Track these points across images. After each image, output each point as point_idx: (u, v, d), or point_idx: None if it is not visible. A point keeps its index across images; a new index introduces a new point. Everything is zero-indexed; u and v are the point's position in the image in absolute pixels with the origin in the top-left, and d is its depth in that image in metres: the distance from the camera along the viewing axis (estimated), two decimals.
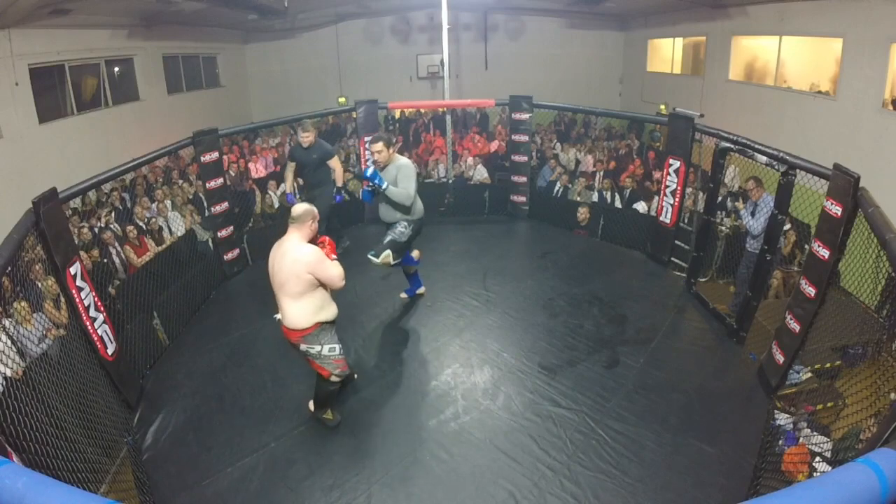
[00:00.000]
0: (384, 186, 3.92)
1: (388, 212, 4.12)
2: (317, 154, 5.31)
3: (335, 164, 5.39)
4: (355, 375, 3.78)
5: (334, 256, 3.03)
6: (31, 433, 2.34)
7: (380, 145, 3.95)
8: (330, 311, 3.07)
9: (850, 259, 3.18)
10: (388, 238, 4.03)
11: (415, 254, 4.58)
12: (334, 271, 2.94)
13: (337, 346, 3.09)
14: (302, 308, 2.93)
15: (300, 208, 2.97)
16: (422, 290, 4.90)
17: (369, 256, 3.97)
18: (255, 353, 4.22)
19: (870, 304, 3.82)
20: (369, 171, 3.94)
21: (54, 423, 2.61)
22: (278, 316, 3.04)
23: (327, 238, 3.15)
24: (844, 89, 6.74)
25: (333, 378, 3.14)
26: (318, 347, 3.02)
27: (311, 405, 3.43)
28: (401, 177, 3.95)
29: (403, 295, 4.88)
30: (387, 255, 3.94)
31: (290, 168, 5.53)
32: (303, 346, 3.02)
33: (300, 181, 6.08)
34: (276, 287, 2.95)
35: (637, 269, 5.59)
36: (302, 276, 2.84)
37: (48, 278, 3.63)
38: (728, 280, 5.17)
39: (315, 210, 3.02)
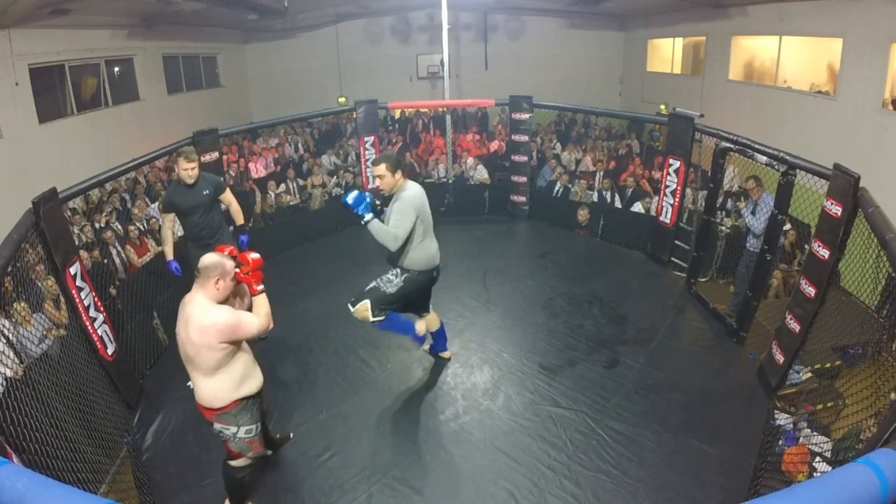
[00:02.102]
0: (365, 219, 3.10)
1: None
2: (208, 189, 3.93)
3: (230, 198, 4.13)
4: (269, 453, 3.09)
5: (259, 287, 2.41)
6: (31, 433, 2.34)
7: (382, 168, 3.12)
8: (253, 384, 2.51)
9: (850, 259, 3.18)
10: (371, 285, 3.29)
11: (419, 327, 3.60)
12: (256, 323, 2.36)
13: (254, 427, 2.55)
14: (218, 384, 2.38)
15: (207, 259, 2.33)
16: (447, 353, 3.99)
17: (348, 305, 3.31)
18: (255, 355, 4.21)
19: (870, 304, 3.82)
20: (350, 197, 3.12)
21: (54, 424, 2.61)
22: (191, 384, 2.47)
23: (249, 255, 2.41)
24: (844, 89, 6.74)
25: (243, 462, 2.63)
26: (233, 429, 2.48)
27: (227, 502, 2.78)
28: (393, 210, 3.14)
29: (425, 347, 4.03)
30: (364, 306, 3.22)
31: (168, 225, 4.06)
32: (217, 426, 2.48)
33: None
34: (184, 360, 2.38)
35: (637, 269, 5.60)
36: (215, 346, 2.28)
37: (48, 278, 3.63)
38: (728, 280, 5.17)
39: (226, 265, 2.33)
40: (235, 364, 2.40)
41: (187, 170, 3.83)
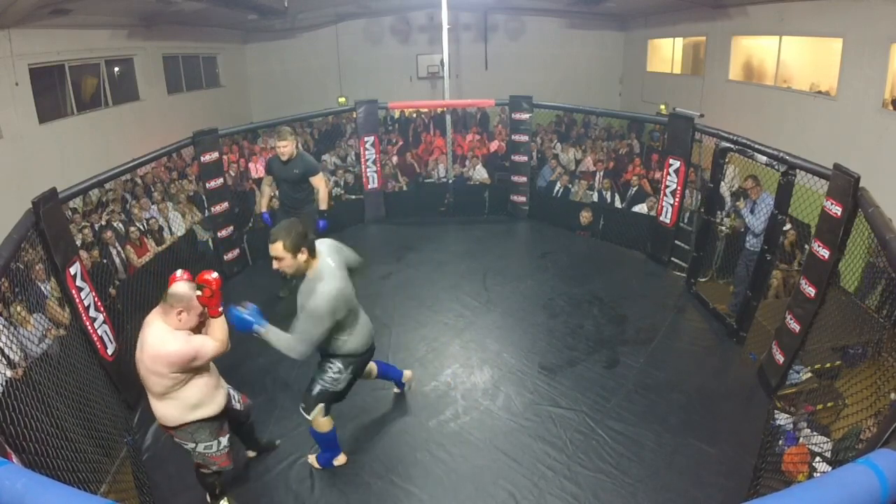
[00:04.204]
0: (256, 331, 2.46)
1: None
2: (298, 169, 4.41)
3: (319, 182, 4.49)
4: (251, 455, 3.14)
5: (219, 309, 2.34)
6: (30, 433, 2.34)
7: (278, 247, 2.37)
8: (210, 409, 2.42)
9: (851, 259, 3.18)
10: (318, 387, 2.75)
11: (406, 374, 3.53)
12: (212, 349, 2.29)
13: (215, 444, 2.50)
14: (167, 408, 2.34)
15: (178, 288, 2.27)
16: (407, 373, 3.61)
17: (301, 411, 2.82)
18: (256, 354, 4.21)
19: (869, 305, 3.82)
20: (243, 313, 2.47)
21: (54, 424, 2.61)
22: None
23: (207, 275, 2.29)
24: (844, 89, 6.74)
25: (208, 471, 2.62)
26: (191, 445, 2.47)
27: (208, 497, 2.75)
28: (304, 312, 2.46)
29: (396, 390, 3.67)
30: (319, 412, 2.77)
31: (267, 183, 4.70)
32: (176, 440, 2.49)
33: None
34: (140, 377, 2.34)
35: (637, 269, 5.59)
36: (165, 374, 2.23)
37: (52, 279, 3.63)
38: (728, 280, 5.17)
39: (193, 301, 2.27)
40: (188, 391, 2.33)
41: (278, 147, 4.33)
